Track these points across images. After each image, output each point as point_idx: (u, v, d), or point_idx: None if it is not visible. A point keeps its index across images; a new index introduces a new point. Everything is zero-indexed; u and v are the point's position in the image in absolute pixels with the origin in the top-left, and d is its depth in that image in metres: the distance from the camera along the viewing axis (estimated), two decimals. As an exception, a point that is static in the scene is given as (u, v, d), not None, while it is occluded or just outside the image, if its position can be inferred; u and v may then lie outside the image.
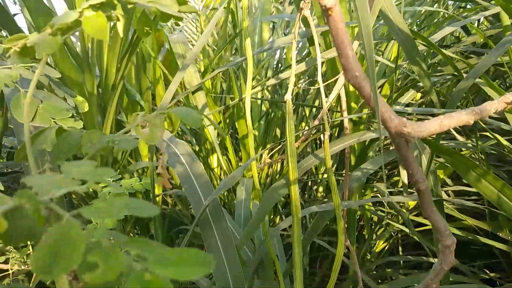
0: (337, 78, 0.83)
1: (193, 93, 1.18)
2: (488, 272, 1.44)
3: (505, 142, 1.16)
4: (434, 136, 0.89)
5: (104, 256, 0.18)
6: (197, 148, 1.71)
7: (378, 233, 1.51)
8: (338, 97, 1.32)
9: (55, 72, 0.40)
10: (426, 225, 1.47)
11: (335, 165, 1.60)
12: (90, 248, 0.18)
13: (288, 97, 0.64)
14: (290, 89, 0.64)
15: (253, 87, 1.24)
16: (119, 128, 1.11)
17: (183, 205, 1.66)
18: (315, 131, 1.58)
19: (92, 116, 1.21)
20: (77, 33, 1.22)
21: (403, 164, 0.28)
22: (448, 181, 1.65)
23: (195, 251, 0.19)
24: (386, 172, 1.64)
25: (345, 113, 0.86)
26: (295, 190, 0.65)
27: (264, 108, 1.72)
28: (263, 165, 0.97)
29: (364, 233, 1.63)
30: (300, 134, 1.18)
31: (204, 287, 0.81)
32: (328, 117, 0.66)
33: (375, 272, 1.57)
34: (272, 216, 1.65)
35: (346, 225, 1.21)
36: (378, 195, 1.51)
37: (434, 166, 0.85)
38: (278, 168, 1.69)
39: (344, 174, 0.93)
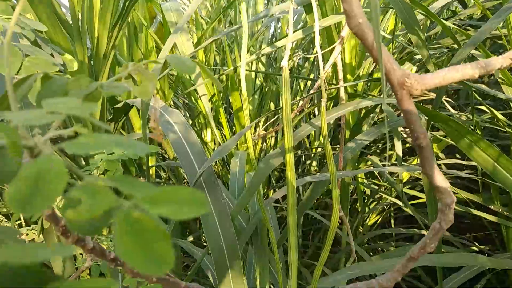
0: (334, 47, 0.82)
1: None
2: (478, 244, 1.47)
3: (500, 116, 1.15)
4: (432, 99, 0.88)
5: (89, 191, 0.16)
6: (190, 122, 1.70)
7: (371, 206, 1.52)
8: (334, 72, 1.31)
9: (41, 25, 0.38)
10: (419, 198, 1.48)
11: (329, 140, 1.59)
12: (74, 184, 0.17)
13: (284, 63, 0.62)
14: (287, 55, 0.63)
15: (248, 58, 1.22)
16: (111, 99, 1.09)
17: (177, 179, 1.65)
18: (310, 104, 1.57)
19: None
20: (67, 4, 1.18)
21: (404, 119, 0.27)
22: (441, 155, 1.66)
23: (189, 190, 0.18)
24: (380, 146, 1.64)
25: (341, 83, 0.85)
26: (290, 159, 0.65)
27: (258, 82, 1.70)
28: (257, 137, 0.96)
29: (357, 206, 1.64)
30: (295, 107, 1.17)
31: (199, 256, 0.81)
32: (325, 83, 0.65)
33: (367, 245, 1.58)
34: (266, 190, 1.65)
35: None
36: (372, 167, 1.51)
37: (430, 138, 0.84)
38: (272, 143, 1.69)
39: (338, 148, 0.93)
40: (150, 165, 1.19)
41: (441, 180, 0.31)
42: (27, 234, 0.83)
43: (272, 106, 1.70)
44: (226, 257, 0.69)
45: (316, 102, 1.43)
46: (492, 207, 1.24)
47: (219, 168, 1.70)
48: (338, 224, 1.51)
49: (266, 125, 1.06)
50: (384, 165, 1.42)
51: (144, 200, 0.17)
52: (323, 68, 0.65)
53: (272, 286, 1.29)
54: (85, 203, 0.16)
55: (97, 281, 0.17)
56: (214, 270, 0.84)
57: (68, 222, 0.17)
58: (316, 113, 1.71)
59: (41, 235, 0.68)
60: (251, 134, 1.25)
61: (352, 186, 1.67)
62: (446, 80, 0.27)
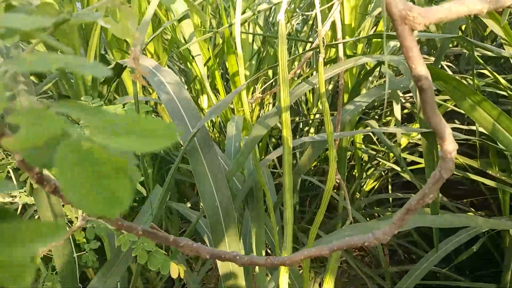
0: (332, 4, 0.78)
1: (179, 21, 1.12)
2: (474, 210, 1.47)
3: (502, 81, 1.13)
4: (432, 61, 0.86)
5: (31, 117, 0.14)
6: (186, 88, 1.66)
7: (369, 172, 1.51)
8: (333, 33, 1.27)
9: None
10: (418, 163, 1.47)
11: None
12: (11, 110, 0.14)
13: (281, 16, 0.60)
14: (283, 8, 0.60)
15: (243, 19, 1.18)
16: (102, 60, 1.06)
17: (173, 146, 1.64)
18: (308, 69, 1.54)
19: (75, 49, 1.15)
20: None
21: (405, 55, 0.25)
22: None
23: (156, 120, 0.16)
24: (378, 112, 1.62)
25: (340, 45, 0.82)
26: (286, 117, 0.63)
27: (255, 47, 1.66)
28: (254, 100, 0.93)
29: (354, 173, 1.64)
30: (293, 70, 1.14)
31: (194, 219, 0.80)
32: (323, 39, 0.62)
33: (364, 211, 1.59)
34: (263, 156, 1.64)
35: (336, 163, 1.21)
36: (370, 133, 1.50)
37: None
38: (270, 109, 1.66)
39: (336, 112, 0.91)
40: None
41: (442, 126, 0.29)
42: (20, 197, 0.82)
43: (270, 72, 1.66)
44: (222, 218, 0.68)
45: (313, 65, 1.40)
46: (490, 172, 1.24)
47: (216, 135, 1.68)
48: (335, 190, 1.51)
49: (264, 87, 1.04)
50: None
51: (99, 129, 0.15)
52: (321, 24, 0.62)
53: (269, 251, 1.30)
54: (26, 130, 0.14)
55: (46, 224, 0.15)
56: (209, 233, 0.84)
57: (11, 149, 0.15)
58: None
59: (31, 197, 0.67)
60: (248, 98, 1.23)
61: (349, 153, 1.66)
62: (451, 14, 0.25)
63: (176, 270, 0.59)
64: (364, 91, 1.30)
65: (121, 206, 0.14)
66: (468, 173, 1.19)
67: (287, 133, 0.61)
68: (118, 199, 0.14)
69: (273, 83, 1.11)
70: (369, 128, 1.32)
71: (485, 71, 1.36)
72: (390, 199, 1.57)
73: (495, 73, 1.11)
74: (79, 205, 0.14)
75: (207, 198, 0.68)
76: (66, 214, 0.69)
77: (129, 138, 0.15)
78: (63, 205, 0.73)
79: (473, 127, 1.26)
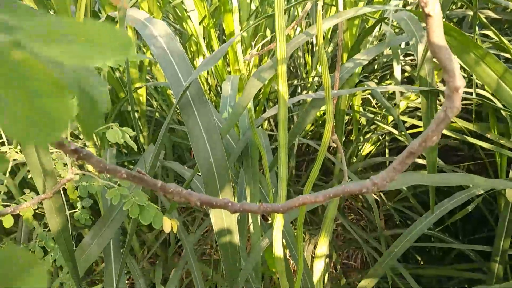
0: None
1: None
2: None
3: (506, 41, 1.10)
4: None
5: None
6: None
7: (366, 136, 1.50)
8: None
9: None
10: (417, 127, 1.46)
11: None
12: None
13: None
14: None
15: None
16: (94, 15, 1.02)
17: (169, 108, 1.61)
18: (308, 24, 1.49)
19: (65, 4, 1.11)
20: None
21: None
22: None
23: (109, 27, 0.13)
24: (378, 75, 1.59)
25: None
26: (282, 70, 0.60)
27: (253, 6, 1.60)
28: (250, 57, 0.90)
29: (351, 138, 1.62)
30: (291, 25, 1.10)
31: (187, 176, 0.79)
32: (322, -15, 0.59)
33: (360, 175, 1.59)
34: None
35: (334, 126, 1.19)
36: (369, 96, 1.48)
37: (430, 54, 0.80)
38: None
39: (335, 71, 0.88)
40: (137, 86, 1.15)
41: (449, 59, 0.27)
42: (9, 154, 0.80)
43: (268, 32, 1.62)
44: (216, 174, 0.67)
45: (312, 23, 1.35)
46: (488, 135, 1.22)
47: (213, 98, 1.66)
48: (331, 154, 1.50)
49: (262, 43, 1.00)
50: (381, 93, 1.38)
51: (34, 36, 0.12)
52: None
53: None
54: None
55: None
56: (204, 190, 0.83)
57: None
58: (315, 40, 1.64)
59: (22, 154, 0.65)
60: (244, 55, 1.19)
61: (347, 117, 1.64)
62: None
63: (168, 224, 0.58)
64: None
65: (58, 130, 0.12)
66: (466, 136, 1.18)
67: (283, 86, 0.59)
68: (55, 122, 0.12)
69: (271, 40, 1.08)
70: (368, 87, 1.29)
71: (489, 32, 1.33)
72: (387, 162, 1.56)
73: (499, 34, 1.08)
74: (9, 130, 0.11)
75: (201, 154, 0.66)
76: (59, 174, 0.67)
77: (70, 47, 0.12)
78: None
79: (470, 90, 1.23)
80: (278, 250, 0.62)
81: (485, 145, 1.17)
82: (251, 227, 0.79)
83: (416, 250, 1.87)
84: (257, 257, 0.70)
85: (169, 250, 1.45)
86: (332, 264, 1.61)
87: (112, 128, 0.60)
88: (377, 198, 1.63)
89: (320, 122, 1.65)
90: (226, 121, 0.71)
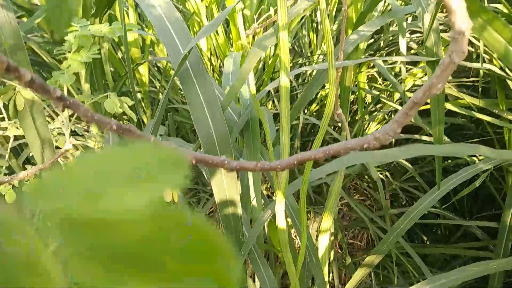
0: None
1: None
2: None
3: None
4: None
5: None
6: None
7: (372, 115, 1.48)
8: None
9: None
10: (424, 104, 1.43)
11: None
12: None
13: None
14: None
15: None
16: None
17: (173, 91, 1.60)
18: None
19: None
20: None
21: None
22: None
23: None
24: (383, 53, 1.56)
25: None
26: (284, 37, 0.59)
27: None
28: (252, 31, 0.89)
29: (356, 118, 1.60)
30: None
31: (191, 148, 0.78)
32: None
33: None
34: (264, 101, 1.61)
35: (339, 104, 1.17)
36: (375, 73, 1.45)
37: (437, 23, 0.77)
38: (272, 52, 1.60)
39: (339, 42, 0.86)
40: (138, 62, 1.13)
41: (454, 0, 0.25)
42: (9, 130, 0.79)
43: (272, 10, 1.59)
44: (217, 146, 0.66)
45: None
46: (496, 111, 1.20)
47: (215, 76, 1.64)
48: (336, 132, 1.48)
49: (264, 16, 0.98)
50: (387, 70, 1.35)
51: None
52: None
53: (266, 191, 1.29)
54: None
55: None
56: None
57: None
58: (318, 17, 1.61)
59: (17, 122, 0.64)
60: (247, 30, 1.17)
61: (353, 96, 1.62)
62: None
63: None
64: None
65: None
66: (473, 112, 1.15)
67: (284, 54, 0.57)
68: None
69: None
70: (373, 67, 1.27)
71: (499, 6, 1.29)
72: (393, 141, 1.54)
73: (508, 6, 1.05)
74: None
75: (202, 127, 0.65)
76: (55, 140, 0.66)
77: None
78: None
79: (477, 64, 1.21)
80: (280, 222, 0.61)
81: (493, 120, 1.14)
82: (254, 201, 0.78)
83: (422, 230, 1.86)
84: (259, 229, 0.69)
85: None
86: (337, 244, 1.60)
87: (109, 97, 0.59)
88: (383, 177, 1.61)
89: (326, 102, 1.63)
90: (227, 90, 0.70)
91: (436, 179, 0.96)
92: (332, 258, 1.37)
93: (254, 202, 0.80)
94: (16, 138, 0.86)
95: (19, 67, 0.24)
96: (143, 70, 1.37)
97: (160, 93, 1.61)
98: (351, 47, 0.84)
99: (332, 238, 1.38)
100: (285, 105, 0.59)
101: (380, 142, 0.33)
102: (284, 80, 0.57)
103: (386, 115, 1.52)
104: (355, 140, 0.34)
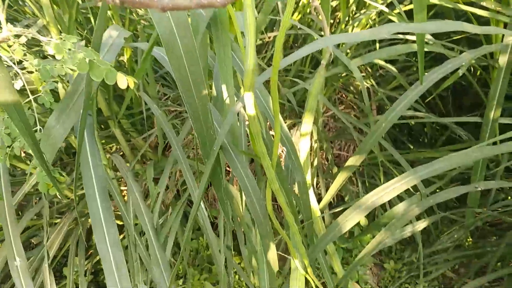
0: None
1: None
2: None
3: None
4: None
5: None
6: None
7: (355, 16, 1.41)
8: None
9: None
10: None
11: None
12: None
13: None
14: None
15: None
16: None
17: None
18: None
19: None
20: None
21: None
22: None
23: None
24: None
25: None
26: None
27: None
28: None
29: (338, 17, 1.53)
30: None
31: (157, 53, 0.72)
32: None
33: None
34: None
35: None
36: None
37: None
38: None
39: None
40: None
41: None
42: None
43: None
44: (177, 36, 0.61)
45: None
46: (483, 3, 1.13)
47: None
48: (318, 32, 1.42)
49: None
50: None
51: None
52: None
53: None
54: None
55: None
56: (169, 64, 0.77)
57: None
58: None
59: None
60: None
61: (335, 3, 1.53)
62: None
63: (122, 79, 0.54)
64: None
65: None
66: (459, 5, 1.09)
67: None
68: None
69: None
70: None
71: None
72: (377, 46, 1.49)
73: None
74: None
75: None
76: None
77: None
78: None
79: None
80: (249, 109, 0.58)
81: (481, 12, 1.08)
82: (227, 100, 0.75)
83: (408, 140, 1.87)
84: (230, 120, 0.66)
85: (158, 149, 1.44)
86: (323, 155, 1.61)
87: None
88: (369, 86, 1.58)
89: (308, 10, 1.54)
90: None
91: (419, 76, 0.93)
92: (316, 163, 1.37)
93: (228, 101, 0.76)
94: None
95: None
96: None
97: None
98: None
99: (316, 145, 1.37)
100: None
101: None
102: None
103: (370, 20, 1.44)
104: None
